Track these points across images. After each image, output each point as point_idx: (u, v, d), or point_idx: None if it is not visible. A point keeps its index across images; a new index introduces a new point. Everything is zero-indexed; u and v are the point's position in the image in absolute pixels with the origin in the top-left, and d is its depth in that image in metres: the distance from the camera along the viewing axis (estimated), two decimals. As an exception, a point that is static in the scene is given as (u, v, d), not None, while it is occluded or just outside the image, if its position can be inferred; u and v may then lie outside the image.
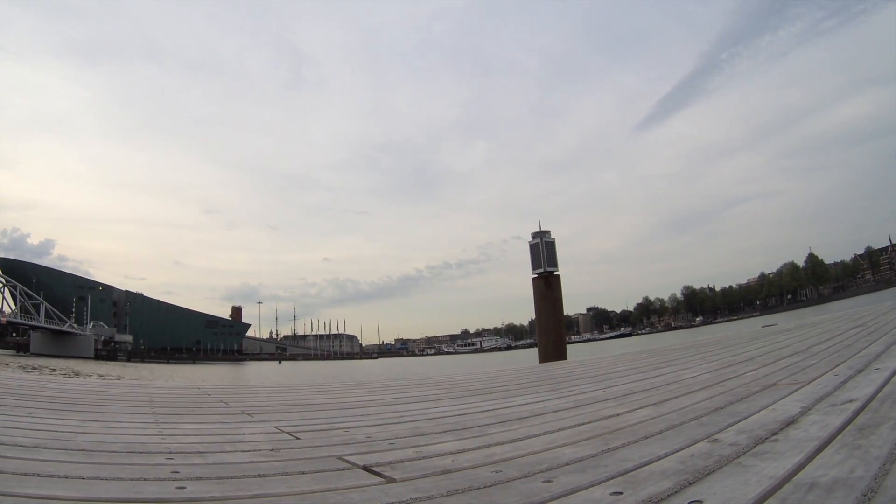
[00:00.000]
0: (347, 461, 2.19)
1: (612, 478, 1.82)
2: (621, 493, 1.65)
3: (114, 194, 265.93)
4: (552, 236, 33.10)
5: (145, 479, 1.88)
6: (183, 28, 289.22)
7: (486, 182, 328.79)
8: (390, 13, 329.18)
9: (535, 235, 33.48)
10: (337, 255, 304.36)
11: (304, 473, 2.01)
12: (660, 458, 2.05)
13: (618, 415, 3.13)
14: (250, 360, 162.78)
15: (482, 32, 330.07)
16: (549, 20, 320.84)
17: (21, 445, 2.33)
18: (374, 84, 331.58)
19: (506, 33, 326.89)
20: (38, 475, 1.85)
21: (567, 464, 2.04)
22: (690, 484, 1.73)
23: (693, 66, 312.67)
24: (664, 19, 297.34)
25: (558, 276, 31.82)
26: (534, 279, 31.81)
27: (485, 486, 1.79)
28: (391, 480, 1.89)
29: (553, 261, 32.27)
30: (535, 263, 32.53)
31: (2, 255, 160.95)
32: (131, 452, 2.33)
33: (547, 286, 31.04)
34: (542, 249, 32.49)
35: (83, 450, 2.32)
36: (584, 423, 2.90)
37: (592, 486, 1.74)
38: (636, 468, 1.92)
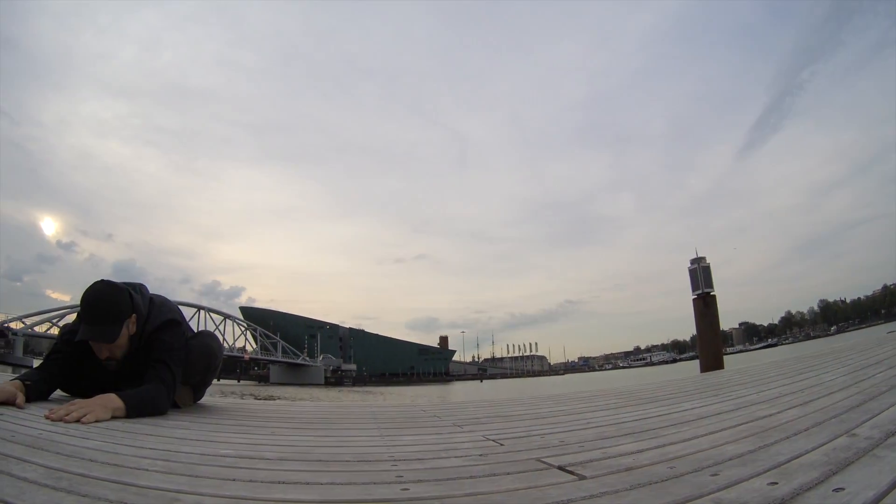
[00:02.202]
0: (545, 462, 2.19)
1: (768, 470, 1.79)
2: (776, 483, 1.62)
3: (320, 256, 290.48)
4: (707, 261, 32.37)
5: (374, 483, 1.93)
6: (369, 126, 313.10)
7: (636, 225, 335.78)
8: (532, 100, 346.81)
9: (693, 262, 32.82)
10: (519, 292, 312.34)
11: (508, 474, 2.03)
12: (807, 452, 1.99)
13: (770, 415, 3.05)
14: (456, 380, 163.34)
15: (612, 107, 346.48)
16: (665, 90, 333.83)
17: (268, 458, 2.41)
18: (529, 156, 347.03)
19: (632, 105, 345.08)
20: (283, 483, 1.91)
21: (730, 459, 2.01)
22: (834, 474, 1.68)
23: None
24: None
25: (714, 297, 31.06)
26: (694, 299, 31.14)
27: (661, 481, 1.78)
28: (583, 478, 1.88)
29: (709, 282, 31.55)
30: (694, 285, 31.86)
31: (242, 305, 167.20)
32: (361, 461, 2.38)
33: (705, 305, 30.32)
34: (700, 273, 31.80)
35: (320, 460, 2.38)
36: (742, 423, 2.84)
37: (752, 477, 1.72)
38: (788, 461, 1.88)
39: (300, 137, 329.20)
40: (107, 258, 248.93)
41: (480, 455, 2.47)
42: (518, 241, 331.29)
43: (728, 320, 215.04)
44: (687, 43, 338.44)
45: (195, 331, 4.63)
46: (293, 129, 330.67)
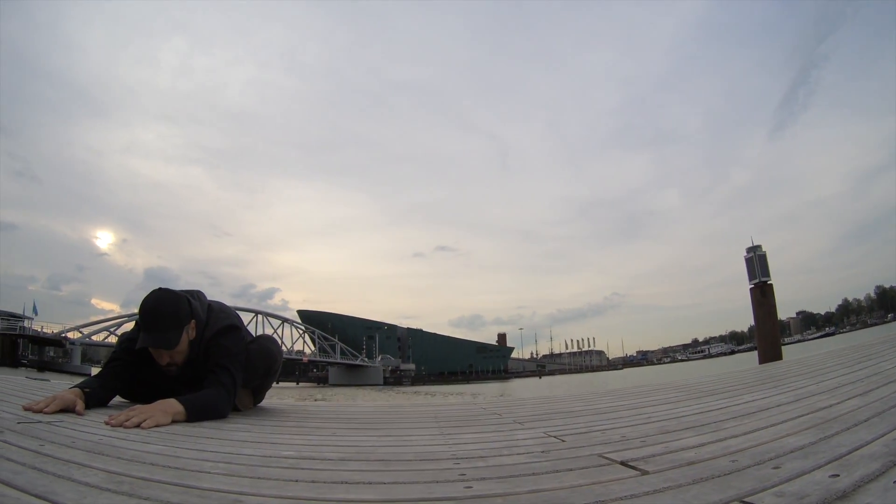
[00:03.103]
0: (607, 458, 2.17)
1: (830, 462, 1.76)
2: (838, 476, 1.60)
3: (364, 261, 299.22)
4: (763, 250, 31.84)
5: (437, 482, 1.92)
6: (411, 138, 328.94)
7: (683, 219, 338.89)
8: (569, 108, 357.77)
9: (748, 250, 32.22)
10: (571, 288, 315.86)
11: (571, 470, 2.01)
12: (868, 443, 1.96)
13: (830, 406, 3.00)
14: (514, 378, 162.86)
15: (647, 108, 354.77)
16: (696, 88, 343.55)
17: (329, 459, 2.42)
18: (570, 159, 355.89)
19: (666, 105, 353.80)
20: (346, 483, 1.93)
21: (791, 451, 1.98)
22: (895, 465, 1.67)
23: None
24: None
25: (771, 286, 30.48)
26: (751, 289, 30.57)
27: (724, 474, 1.76)
28: (645, 472, 1.88)
29: (766, 271, 30.97)
30: (751, 275, 31.29)
31: (300, 308, 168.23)
32: (423, 460, 2.38)
33: (762, 294, 29.78)
34: (756, 262, 31.24)
35: (382, 460, 2.41)
36: (802, 415, 2.80)
37: (813, 470, 1.69)
38: (849, 453, 1.85)
39: (342, 151, 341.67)
40: (143, 266, 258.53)
41: (542, 452, 2.46)
42: (567, 239, 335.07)
43: (785, 310, 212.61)
44: (712, 40, 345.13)
45: (253, 335, 4.68)
46: (335, 143, 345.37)
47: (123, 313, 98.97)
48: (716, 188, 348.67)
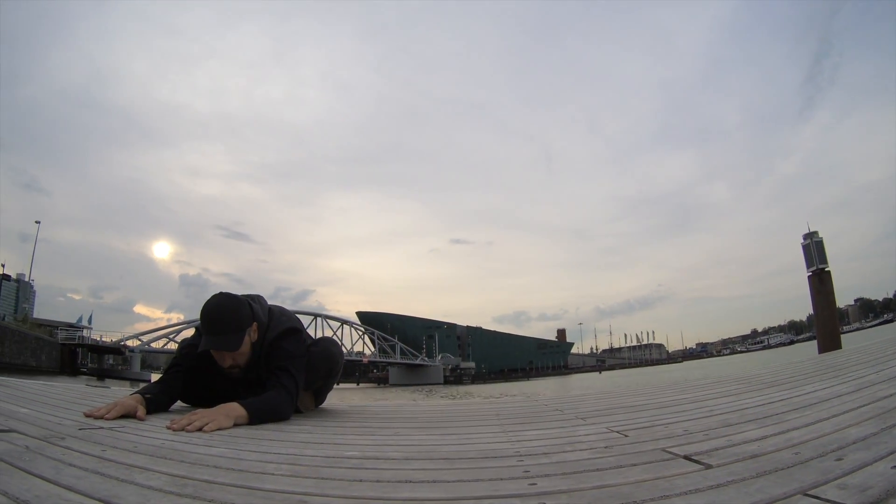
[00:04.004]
0: (670, 452, 2.16)
1: (892, 453, 1.72)
2: (901, 467, 1.60)
3: (413, 263, 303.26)
4: (820, 236, 31.37)
5: (501, 479, 1.93)
6: (457, 146, 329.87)
7: (734, 211, 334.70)
8: (610, 112, 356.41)
9: (805, 237, 31.83)
10: (626, 283, 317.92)
11: (634, 465, 2.01)
12: (932, 434, 1.95)
13: (891, 395, 2.94)
14: (575, 373, 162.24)
15: (687, 107, 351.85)
16: (733, 83, 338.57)
17: (393, 458, 2.42)
18: (615, 160, 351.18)
19: (705, 103, 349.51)
20: (410, 482, 1.94)
21: (853, 442, 1.95)
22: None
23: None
24: None
25: (829, 273, 30.04)
26: (809, 277, 30.17)
27: (787, 467, 1.74)
28: (709, 467, 1.86)
29: (823, 258, 30.55)
30: (809, 262, 30.88)
31: (359, 310, 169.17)
32: (486, 458, 2.38)
33: (821, 282, 29.37)
34: (813, 249, 30.82)
35: (445, 458, 2.41)
36: (863, 405, 2.76)
37: (875, 461, 1.67)
38: (913, 443, 1.85)
39: (388, 163, 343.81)
40: (179, 272, 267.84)
41: (605, 447, 2.46)
42: (618, 235, 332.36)
43: (842, 297, 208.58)
44: (742, 38, 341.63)
45: (313, 338, 4.71)
46: (380, 156, 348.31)
47: (183, 320, 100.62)
48: (763, 179, 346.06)
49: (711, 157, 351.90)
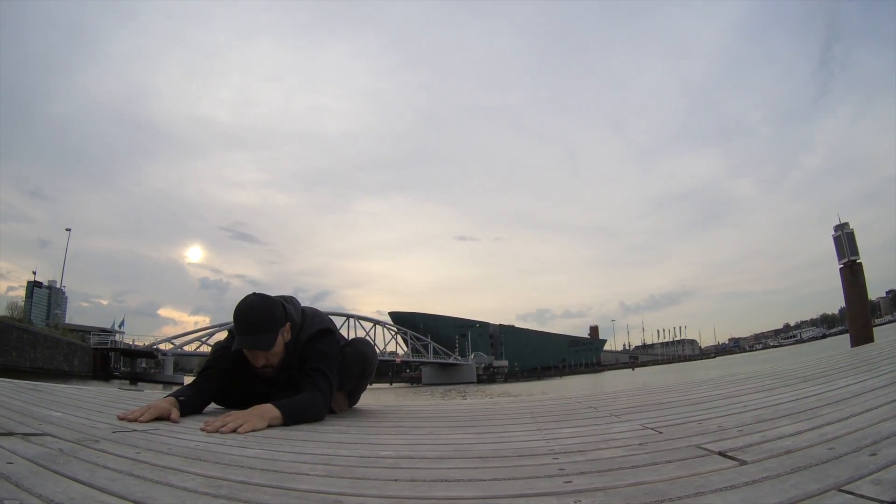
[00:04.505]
0: (704, 449, 2.16)
1: None
2: (938, 462, 1.59)
3: (443, 266, 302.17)
4: (850, 227, 31.03)
5: (537, 477, 1.93)
6: (484, 152, 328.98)
7: (761, 206, 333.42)
8: (628, 112, 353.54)
9: (836, 228, 31.53)
10: (655, 279, 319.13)
11: (669, 462, 2.00)
12: (970, 427, 1.94)
13: (927, 388, 2.95)
14: (607, 370, 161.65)
15: (709, 105, 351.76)
16: (753, 81, 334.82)
17: (428, 457, 2.42)
18: (640, 159, 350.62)
19: (726, 101, 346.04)
20: (445, 480, 1.94)
21: (887, 437, 1.94)
22: None
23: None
24: None
25: (861, 265, 29.73)
26: (840, 269, 29.91)
27: (821, 462, 1.73)
28: (743, 463, 1.86)
29: (854, 250, 30.22)
30: (840, 254, 30.61)
31: (391, 310, 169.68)
32: (521, 456, 2.39)
33: (852, 274, 29.08)
34: (844, 241, 30.53)
35: (480, 457, 2.41)
36: (898, 399, 2.76)
37: None
38: (950, 437, 1.83)
39: (416, 169, 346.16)
40: (198, 276, 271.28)
41: (640, 444, 2.45)
42: (646, 233, 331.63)
43: (875, 289, 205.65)
44: (759, 36, 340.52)
45: (346, 339, 4.73)
46: (403, 161, 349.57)
47: (209, 323, 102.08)
48: (788, 173, 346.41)
49: (735, 153, 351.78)
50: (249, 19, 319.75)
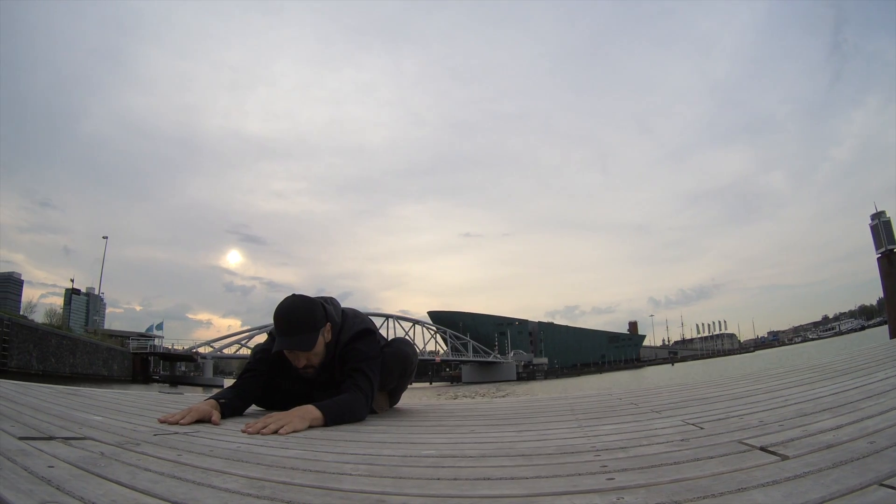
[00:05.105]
0: (746, 444, 2.14)
1: None
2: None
3: (477, 267, 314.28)
4: (887, 215, 30.63)
5: (579, 475, 1.92)
6: (519, 149, 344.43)
7: (795, 199, 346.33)
8: (656, 113, 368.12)
9: (872, 217, 31.26)
10: (692, 274, 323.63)
11: (711, 458, 1.98)
12: None
13: (968, 379, 2.92)
14: (647, 366, 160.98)
15: (736, 102, 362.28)
16: (778, 77, 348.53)
17: (470, 456, 2.42)
18: (669, 158, 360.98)
19: (753, 98, 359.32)
20: (488, 479, 1.93)
21: (929, 430, 1.95)
22: None
23: None
24: None
25: (899, 253, 29.32)
26: (878, 259, 29.57)
27: (863, 457, 1.72)
28: (785, 458, 1.85)
29: (892, 238, 29.93)
30: (878, 243, 30.33)
31: (431, 309, 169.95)
32: (564, 453, 2.38)
33: (890, 264, 28.74)
34: (881, 229, 30.22)
35: (523, 455, 2.40)
36: (940, 391, 2.73)
37: None
38: None
39: (447, 173, 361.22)
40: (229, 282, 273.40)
41: (682, 440, 2.45)
42: (681, 229, 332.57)
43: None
44: (781, 33, 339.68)
45: (387, 339, 4.76)
46: (438, 167, 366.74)
47: (242, 326, 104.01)
48: (819, 166, 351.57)
49: (765, 148, 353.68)
50: (276, 34, 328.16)
